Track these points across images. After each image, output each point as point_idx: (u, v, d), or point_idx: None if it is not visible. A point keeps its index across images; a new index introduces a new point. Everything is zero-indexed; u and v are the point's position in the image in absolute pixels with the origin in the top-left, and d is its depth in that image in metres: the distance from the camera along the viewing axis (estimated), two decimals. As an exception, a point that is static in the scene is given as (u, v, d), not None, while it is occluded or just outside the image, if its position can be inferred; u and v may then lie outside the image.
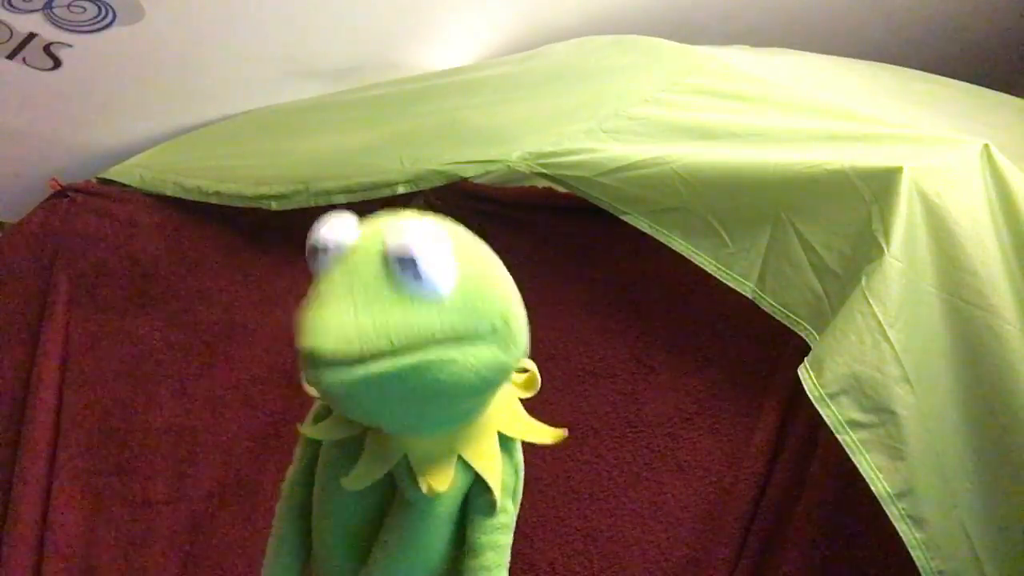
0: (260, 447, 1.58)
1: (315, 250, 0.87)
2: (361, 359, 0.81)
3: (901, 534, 1.00)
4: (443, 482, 0.95)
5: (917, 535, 1.00)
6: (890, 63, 1.77)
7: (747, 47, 1.64)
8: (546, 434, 1.02)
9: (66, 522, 1.64)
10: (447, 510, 1.00)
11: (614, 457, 1.32)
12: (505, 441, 1.01)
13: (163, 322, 1.71)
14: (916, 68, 1.75)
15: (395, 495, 1.00)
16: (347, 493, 0.99)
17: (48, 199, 1.84)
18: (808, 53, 1.71)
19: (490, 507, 0.99)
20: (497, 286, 0.91)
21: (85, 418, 1.69)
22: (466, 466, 0.97)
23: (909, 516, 1.00)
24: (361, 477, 0.97)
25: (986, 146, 1.12)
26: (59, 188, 1.83)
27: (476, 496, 1.00)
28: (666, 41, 1.54)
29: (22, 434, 1.67)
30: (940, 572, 1.00)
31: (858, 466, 1.01)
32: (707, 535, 1.23)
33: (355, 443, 0.99)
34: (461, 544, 1.02)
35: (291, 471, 1.09)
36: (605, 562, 1.30)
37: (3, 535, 1.63)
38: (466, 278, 0.86)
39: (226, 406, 1.63)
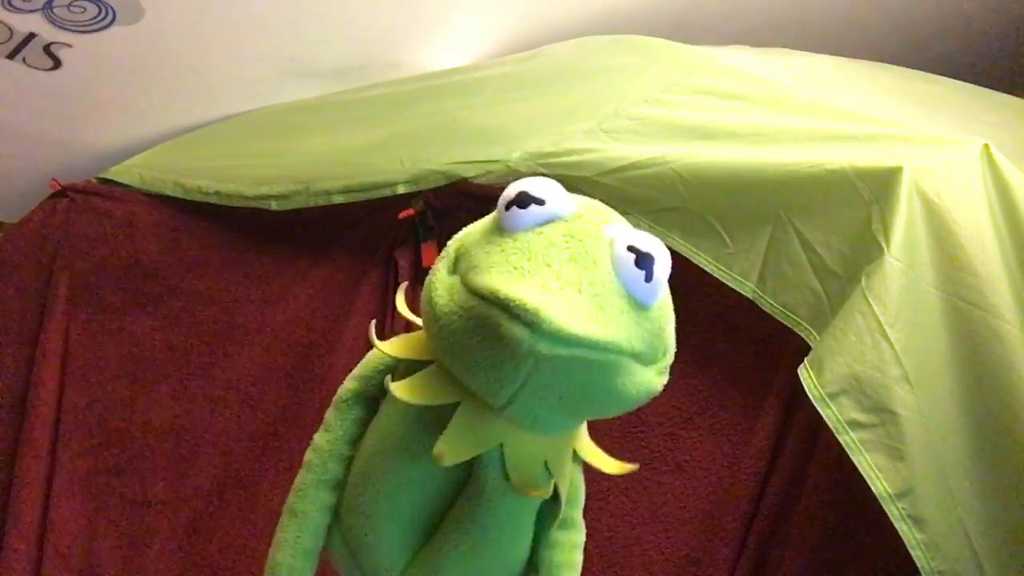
0: (259, 447, 1.58)
1: (526, 201, 0.82)
2: (580, 343, 0.77)
3: (901, 534, 1.00)
4: (538, 486, 0.91)
5: (917, 535, 1.00)
6: (891, 63, 1.77)
7: (747, 47, 1.64)
8: (612, 465, 0.99)
9: (66, 522, 1.64)
10: (528, 516, 0.97)
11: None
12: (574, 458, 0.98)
13: (163, 322, 1.71)
14: (916, 68, 1.75)
15: (473, 490, 0.93)
16: (420, 473, 0.92)
17: (48, 199, 1.84)
18: (808, 53, 1.71)
19: (555, 518, 0.97)
20: (673, 315, 0.89)
21: (85, 418, 1.69)
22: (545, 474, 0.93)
23: (909, 516, 1.00)
24: (455, 451, 0.87)
25: (986, 146, 1.12)
26: (59, 188, 1.83)
27: (550, 509, 0.97)
28: (666, 41, 1.54)
29: (22, 434, 1.67)
30: (940, 572, 1.00)
31: (858, 466, 1.01)
32: (707, 535, 1.23)
33: (443, 419, 0.89)
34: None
35: (324, 440, 0.99)
36: (605, 562, 1.29)
37: (3, 535, 1.63)
38: (664, 297, 0.86)
39: (226, 406, 1.63)
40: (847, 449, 1.02)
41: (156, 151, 1.90)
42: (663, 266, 0.83)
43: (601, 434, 1.34)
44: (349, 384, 1.01)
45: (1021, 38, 2.22)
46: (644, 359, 0.83)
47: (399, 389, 0.89)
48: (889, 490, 1.00)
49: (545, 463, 0.92)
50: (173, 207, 1.75)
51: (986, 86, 1.75)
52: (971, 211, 1.08)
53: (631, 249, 0.81)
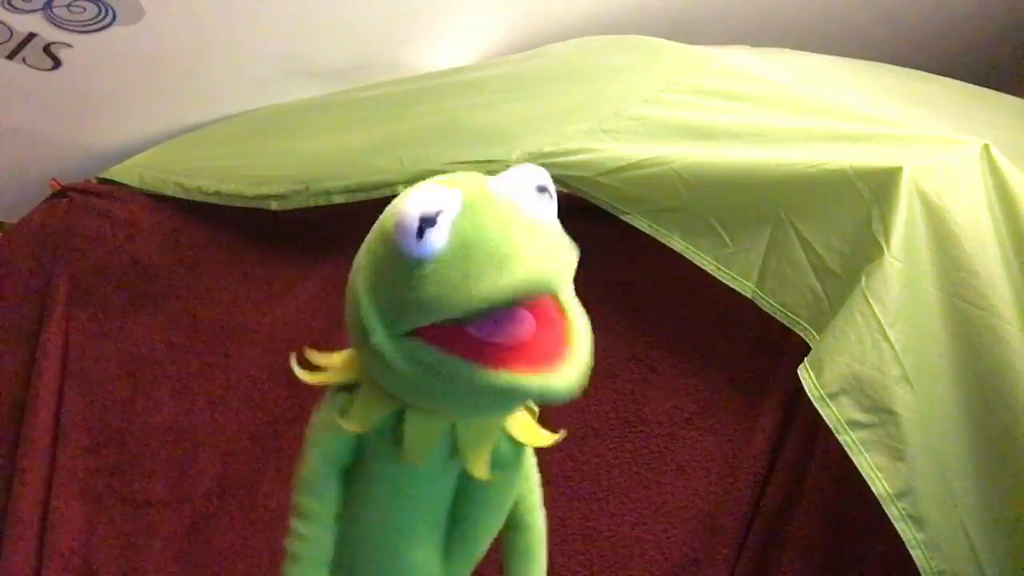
0: (260, 447, 1.58)
1: (432, 219, 0.81)
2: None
3: (901, 534, 1.00)
4: (539, 436, 0.98)
5: (917, 535, 1.00)
6: (890, 63, 1.77)
7: (747, 47, 1.64)
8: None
9: (66, 522, 1.64)
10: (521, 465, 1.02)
11: (614, 457, 1.32)
12: None
13: (163, 322, 1.71)
14: (916, 68, 1.75)
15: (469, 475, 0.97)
16: (427, 483, 0.97)
17: (48, 199, 1.84)
18: (808, 53, 1.71)
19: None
20: None
21: (85, 418, 1.69)
22: None
23: (909, 516, 1.00)
24: (484, 462, 0.93)
25: (986, 146, 1.12)
26: (59, 188, 1.83)
27: None
28: (666, 41, 1.54)
29: (22, 434, 1.67)
30: (940, 572, 1.00)
31: (858, 466, 1.01)
32: (707, 535, 1.23)
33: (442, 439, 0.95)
34: None
35: (311, 528, 0.98)
36: (605, 562, 1.30)
37: (3, 535, 1.64)
38: None
39: (226, 406, 1.63)
40: (847, 449, 1.02)
41: (156, 151, 1.90)
42: (548, 178, 0.89)
43: (601, 435, 1.34)
44: (317, 468, 1.00)
45: (1021, 38, 2.22)
46: None
47: (415, 455, 0.93)
48: (889, 490, 1.00)
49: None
50: (173, 207, 1.75)
51: (986, 86, 1.75)
52: (971, 211, 1.08)
53: (524, 183, 0.87)
